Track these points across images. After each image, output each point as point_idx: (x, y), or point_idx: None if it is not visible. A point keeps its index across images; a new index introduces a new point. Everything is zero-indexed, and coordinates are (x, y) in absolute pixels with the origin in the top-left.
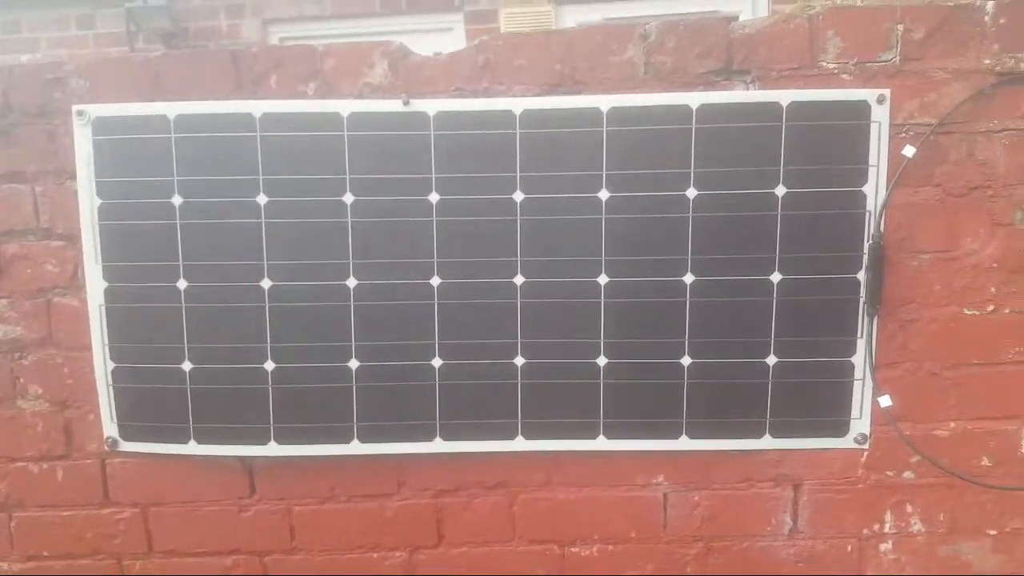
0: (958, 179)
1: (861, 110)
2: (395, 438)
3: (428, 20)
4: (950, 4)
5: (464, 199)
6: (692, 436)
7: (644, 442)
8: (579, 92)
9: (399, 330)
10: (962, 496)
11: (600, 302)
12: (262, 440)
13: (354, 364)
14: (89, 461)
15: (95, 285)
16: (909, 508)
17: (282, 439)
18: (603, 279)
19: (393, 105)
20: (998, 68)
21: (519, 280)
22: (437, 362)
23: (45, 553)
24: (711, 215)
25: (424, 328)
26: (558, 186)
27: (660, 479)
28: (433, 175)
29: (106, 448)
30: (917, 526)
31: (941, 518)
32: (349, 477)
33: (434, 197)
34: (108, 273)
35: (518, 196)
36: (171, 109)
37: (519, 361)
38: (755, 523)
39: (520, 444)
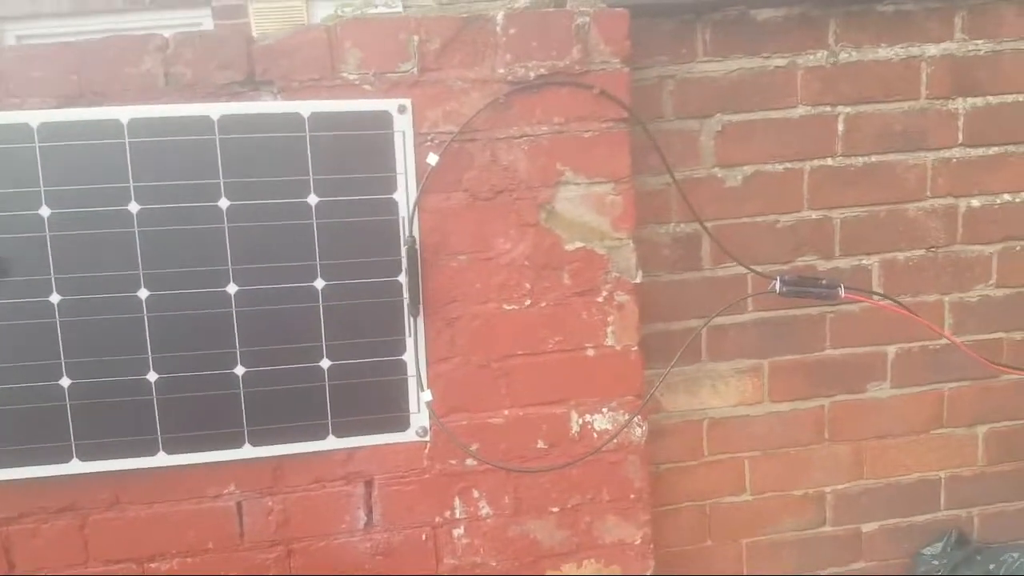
0: (484, 183)
1: (383, 120)
2: None
3: (174, 16)
4: (463, 15)
5: None
6: (255, 444)
7: (207, 454)
8: (100, 104)
9: None
10: (522, 478)
11: (143, 316)
12: None
13: None
14: None
15: None
16: (476, 493)
17: None
18: (144, 293)
19: None
20: (510, 77)
21: (56, 299)
22: None
23: None
24: (247, 225)
25: None
26: (84, 199)
27: (232, 488)
28: None
29: None
30: (485, 510)
31: (506, 500)
32: None
33: None
34: None
35: (44, 211)
36: None
37: (65, 382)
38: (331, 521)
39: (76, 467)
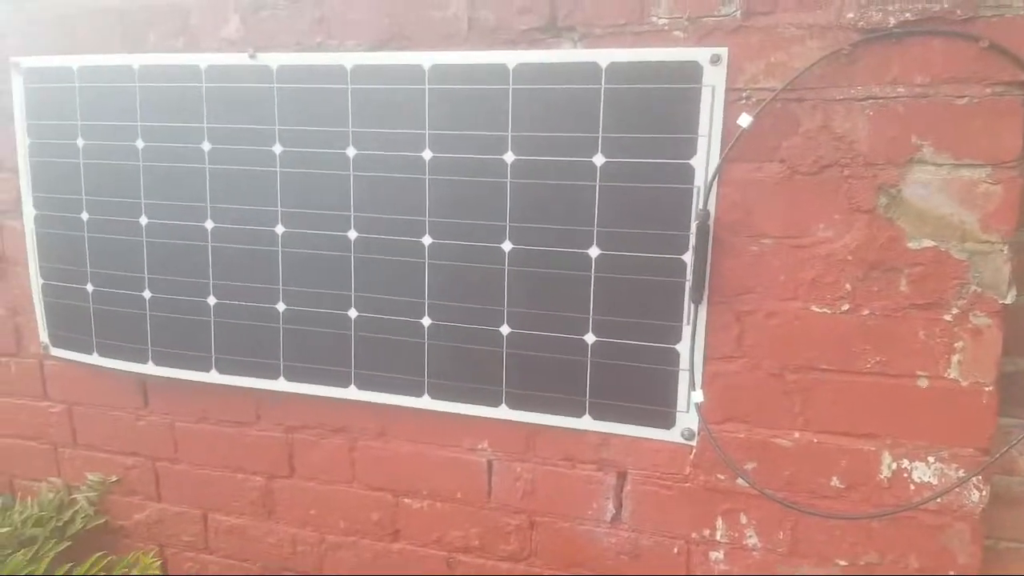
0: (808, 154)
1: (691, 72)
2: (246, 372)
3: None
4: None
5: (303, 152)
6: (511, 406)
7: (465, 406)
8: (407, 48)
9: (249, 274)
10: (805, 516)
11: (425, 263)
12: (142, 359)
13: (212, 300)
14: (31, 360)
15: (28, 212)
16: (743, 519)
17: (159, 361)
18: (427, 240)
19: (241, 58)
20: (862, 23)
21: (352, 235)
22: (281, 306)
23: (5, 432)
24: (528, 182)
25: (271, 274)
26: (385, 144)
27: (485, 445)
28: (276, 126)
29: (42, 351)
30: (753, 540)
31: (781, 536)
32: (217, 403)
33: (277, 148)
34: (36, 202)
35: (351, 152)
36: (75, 61)
37: (352, 314)
38: (576, 504)
39: (353, 393)
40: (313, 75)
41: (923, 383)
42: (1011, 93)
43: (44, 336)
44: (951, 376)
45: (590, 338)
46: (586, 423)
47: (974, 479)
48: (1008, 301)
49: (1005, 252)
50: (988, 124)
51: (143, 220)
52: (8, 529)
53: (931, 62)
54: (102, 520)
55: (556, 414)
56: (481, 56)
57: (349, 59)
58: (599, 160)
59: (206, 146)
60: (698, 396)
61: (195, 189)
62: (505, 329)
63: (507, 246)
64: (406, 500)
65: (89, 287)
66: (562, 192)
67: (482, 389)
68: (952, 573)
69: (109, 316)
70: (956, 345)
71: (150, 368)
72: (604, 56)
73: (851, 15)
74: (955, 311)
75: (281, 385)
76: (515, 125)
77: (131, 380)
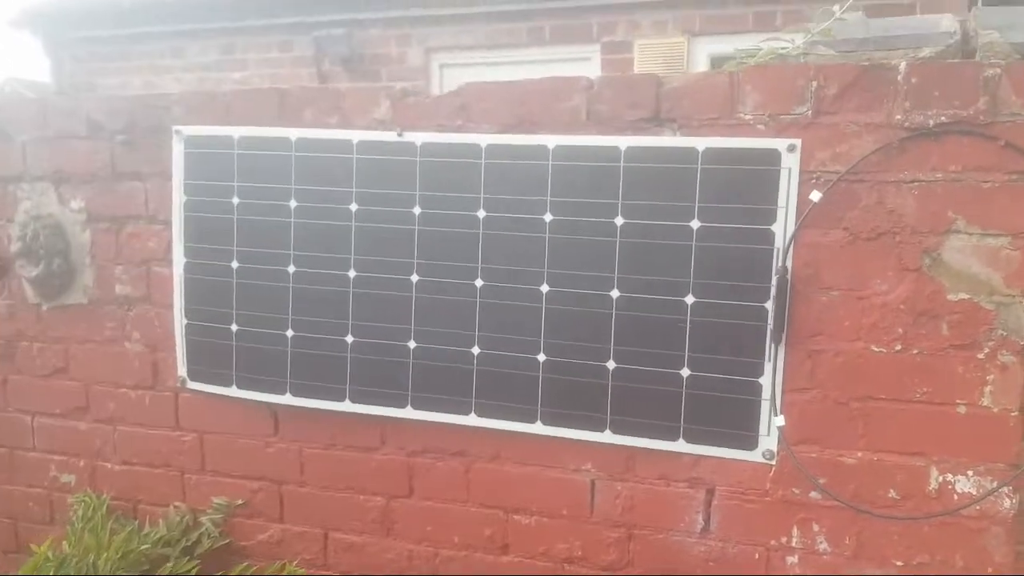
0: (866, 224)
1: (772, 156)
2: (378, 402)
3: (569, 50)
4: (864, 63)
5: (439, 213)
6: (615, 431)
7: (574, 431)
8: (533, 132)
9: (385, 316)
10: (866, 523)
11: (542, 307)
12: (280, 391)
13: (350, 339)
14: (167, 393)
15: (178, 260)
16: (815, 527)
17: (297, 392)
18: (545, 288)
19: (390, 136)
20: (907, 124)
21: (479, 283)
22: (412, 344)
23: (134, 460)
24: (635, 241)
25: (404, 316)
26: (511, 208)
27: (589, 466)
28: (417, 192)
29: (178, 385)
30: (823, 545)
31: (847, 541)
32: (345, 430)
33: (416, 210)
34: (187, 251)
35: (481, 214)
36: (235, 132)
37: (475, 350)
38: (670, 518)
39: (473, 420)
40: (452, 151)
41: (962, 409)
42: (1023, 180)
43: (183, 371)
44: (984, 404)
45: (685, 372)
46: (680, 446)
47: (1005, 489)
48: None
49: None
50: (1008, 203)
51: (291, 268)
52: (146, 547)
53: (962, 154)
54: (226, 541)
55: (654, 438)
56: (599, 139)
57: (484, 139)
58: (695, 224)
59: (353, 207)
60: (780, 420)
61: (342, 243)
62: (611, 364)
63: (615, 293)
64: (516, 516)
65: (234, 327)
66: (664, 250)
67: (589, 416)
68: (990, 571)
69: (251, 352)
70: (988, 378)
71: (287, 399)
72: (701, 143)
73: (899, 116)
74: (986, 351)
75: (408, 413)
76: (625, 195)
77: (263, 410)
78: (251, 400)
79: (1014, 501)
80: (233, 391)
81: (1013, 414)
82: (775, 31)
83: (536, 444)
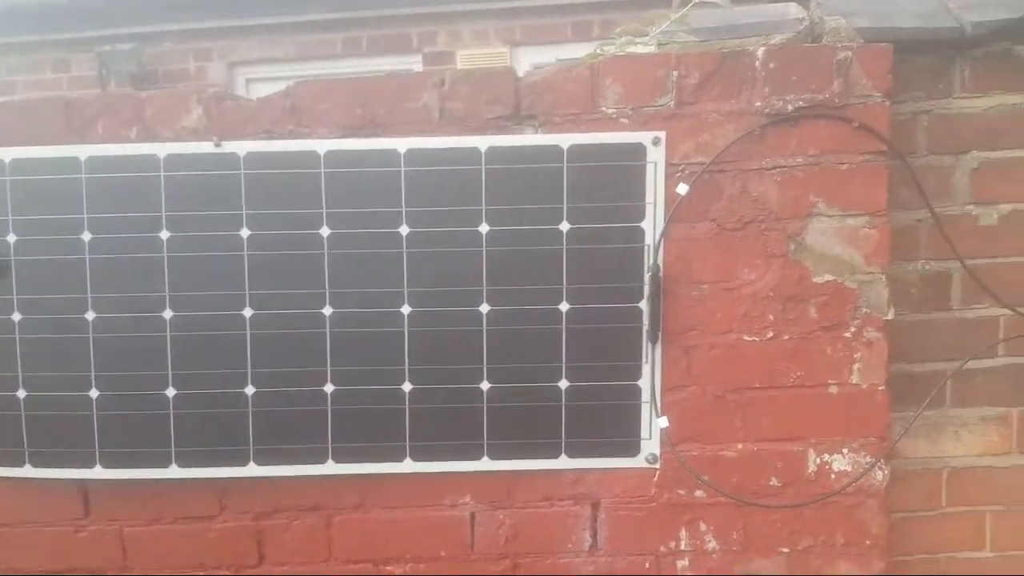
0: (732, 214)
1: (637, 151)
2: (212, 463)
3: (388, 61)
4: (723, 51)
5: (272, 235)
6: (493, 457)
7: (448, 463)
8: (379, 135)
9: (213, 360)
10: (752, 515)
11: (404, 331)
12: (89, 464)
13: (171, 392)
14: None
15: None
16: (703, 526)
17: (107, 463)
18: (406, 309)
19: (205, 147)
20: (767, 110)
21: (328, 311)
22: (250, 390)
23: None
24: (503, 249)
25: (237, 358)
26: (362, 222)
27: (467, 499)
28: (244, 211)
29: None
30: (712, 544)
31: (734, 536)
32: (174, 500)
33: (244, 232)
34: None
35: (325, 231)
36: (6, 154)
37: (328, 388)
38: (557, 540)
39: (331, 468)
40: (284, 161)
41: (833, 389)
42: (877, 160)
43: None
44: (854, 381)
45: (564, 384)
46: (563, 462)
47: (879, 462)
48: (889, 317)
49: (884, 280)
50: (864, 183)
51: (90, 315)
52: None
53: (819, 138)
54: None
55: (535, 458)
56: (455, 141)
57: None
58: (564, 227)
59: (164, 235)
60: (663, 422)
61: (153, 279)
62: (485, 385)
63: (484, 308)
64: (387, 568)
65: (20, 392)
66: (533, 257)
67: (464, 444)
68: (868, 544)
69: (45, 421)
70: (855, 356)
71: (97, 472)
72: (565, 140)
73: (758, 103)
74: (852, 329)
75: (251, 470)
76: (488, 199)
77: (69, 489)
78: (51, 479)
79: (885, 473)
80: (27, 471)
81: (880, 388)
82: (593, 41)
83: (406, 484)
